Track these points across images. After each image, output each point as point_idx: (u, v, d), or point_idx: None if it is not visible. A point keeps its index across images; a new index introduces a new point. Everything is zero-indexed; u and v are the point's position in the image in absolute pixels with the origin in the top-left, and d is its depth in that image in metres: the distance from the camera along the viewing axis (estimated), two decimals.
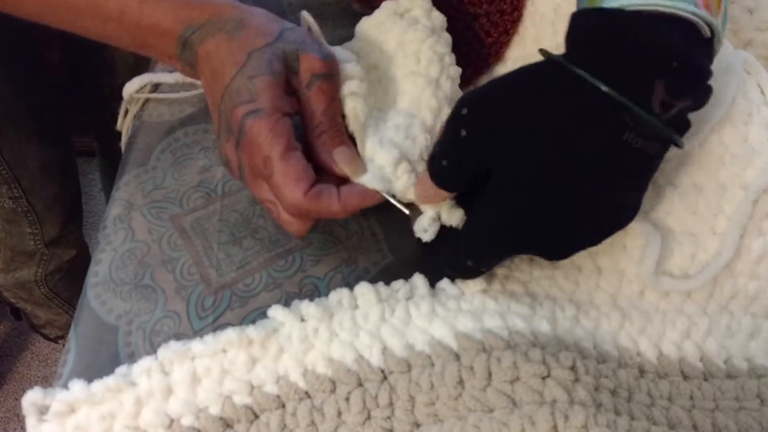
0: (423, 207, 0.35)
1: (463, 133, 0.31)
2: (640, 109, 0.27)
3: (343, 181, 0.35)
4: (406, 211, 0.36)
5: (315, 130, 0.34)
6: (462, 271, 0.35)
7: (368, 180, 0.34)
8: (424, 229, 0.35)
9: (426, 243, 0.36)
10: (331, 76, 0.35)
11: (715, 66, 0.36)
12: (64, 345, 1.07)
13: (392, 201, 0.35)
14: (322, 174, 0.34)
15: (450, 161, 0.32)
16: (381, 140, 0.35)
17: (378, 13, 0.41)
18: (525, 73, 0.30)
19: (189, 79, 0.46)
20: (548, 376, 0.31)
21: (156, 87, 0.48)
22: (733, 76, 0.36)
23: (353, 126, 0.35)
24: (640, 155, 0.28)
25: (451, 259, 0.34)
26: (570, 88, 0.28)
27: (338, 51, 0.37)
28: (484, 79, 0.45)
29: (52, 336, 1.01)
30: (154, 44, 0.36)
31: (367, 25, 0.41)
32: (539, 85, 0.29)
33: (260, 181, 0.34)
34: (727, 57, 0.37)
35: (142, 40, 0.36)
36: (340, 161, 0.34)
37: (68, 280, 0.85)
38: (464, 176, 0.32)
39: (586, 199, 0.29)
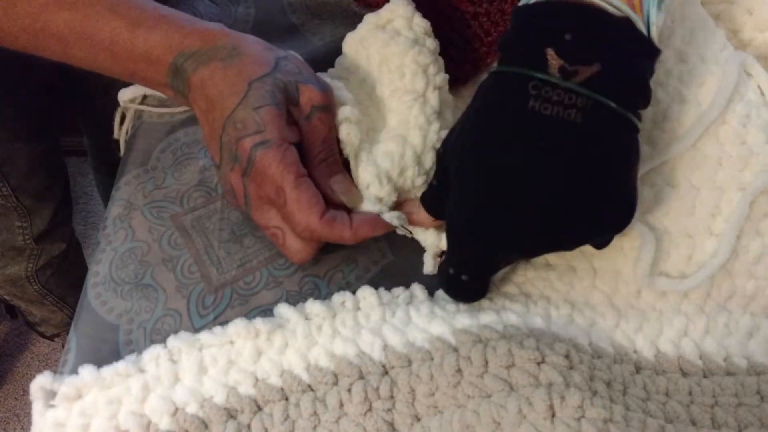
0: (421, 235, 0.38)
1: (440, 149, 0.35)
2: (533, 71, 0.28)
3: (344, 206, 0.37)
4: (410, 234, 0.38)
5: (314, 159, 0.35)
6: (452, 286, 0.35)
7: (366, 209, 0.36)
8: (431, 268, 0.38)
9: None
10: (330, 106, 0.35)
11: (712, 66, 0.36)
12: (61, 343, 1.07)
13: (397, 228, 0.37)
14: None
15: (438, 180, 0.36)
16: (377, 172, 0.36)
17: (361, 28, 0.40)
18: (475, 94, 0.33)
19: None
20: (543, 361, 0.31)
21: (144, 97, 0.48)
22: (729, 77, 0.36)
23: (348, 150, 0.37)
24: (559, 123, 0.28)
25: (441, 276, 0.36)
26: (487, 92, 0.31)
27: (327, 77, 0.38)
28: (482, 78, 0.46)
29: (48, 334, 1.01)
30: (145, 73, 0.36)
31: (351, 41, 0.41)
32: (473, 105, 0.32)
33: (267, 207, 0.35)
34: (724, 58, 0.37)
35: (134, 69, 0.36)
36: (338, 190, 0.36)
37: (60, 276, 0.85)
38: (439, 194, 0.35)
39: (521, 177, 0.29)
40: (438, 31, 0.41)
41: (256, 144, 0.32)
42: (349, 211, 0.36)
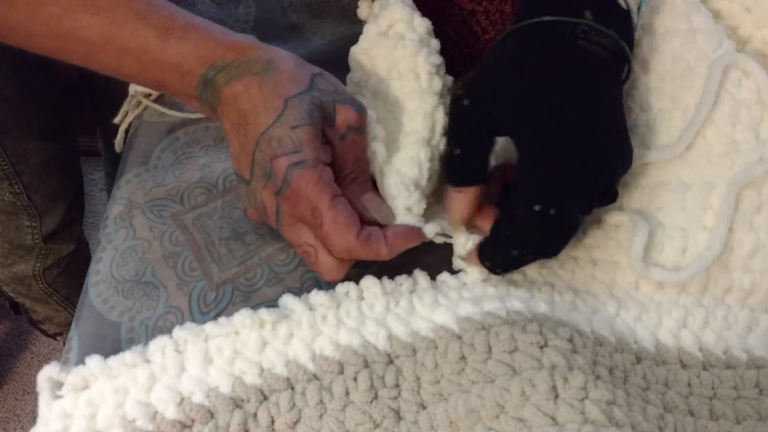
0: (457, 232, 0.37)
1: (466, 102, 0.35)
2: (578, 19, 0.34)
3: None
4: (449, 240, 0.37)
5: (346, 179, 0.35)
6: (546, 226, 0.33)
7: (401, 223, 0.36)
8: (463, 252, 0.37)
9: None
10: (363, 127, 0.35)
11: (701, 70, 0.38)
12: (63, 341, 1.07)
13: (436, 239, 0.37)
14: None
15: (460, 142, 0.35)
16: (402, 181, 0.36)
17: (363, 39, 0.40)
18: (495, 48, 0.36)
19: None
20: (546, 345, 0.32)
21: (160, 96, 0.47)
22: (713, 80, 0.37)
23: (373, 167, 0.37)
24: (597, 59, 0.34)
25: (530, 221, 0.33)
26: (531, 36, 0.35)
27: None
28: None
29: (50, 332, 1.01)
30: (173, 83, 0.35)
31: (355, 55, 0.40)
32: (511, 49, 0.35)
33: (300, 226, 0.34)
34: (713, 60, 0.38)
35: (161, 78, 0.35)
36: (370, 208, 0.36)
37: (67, 275, 0.85)
38: (476, 154, 0.35)
39: (581, 102, 0.33)
40: (434, 27, 0.40)
41: (292, 164, 0.32)
42: (381, 226, 0.36)
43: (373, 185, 0.37)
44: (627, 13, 0.36)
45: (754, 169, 0.36)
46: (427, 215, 0.38)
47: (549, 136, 0.33)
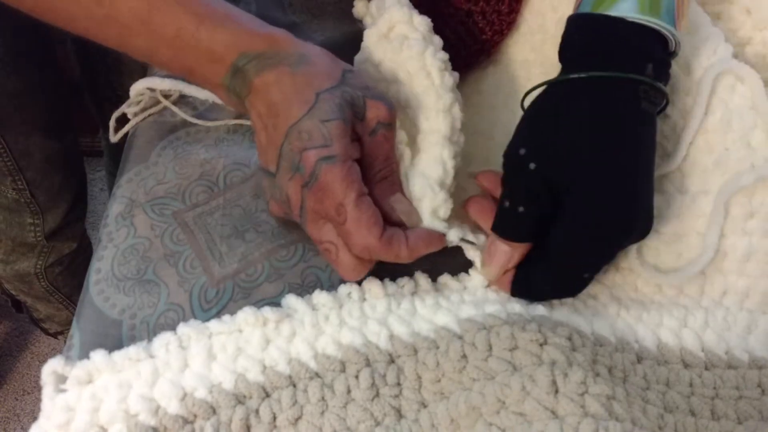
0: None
1: (532, 165, 0.34)
2: (645, 78, 0.34)
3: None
4: (471, 250, 0.37)
5: (375, 176, 0.35)
6: (574, 286, 0.36)
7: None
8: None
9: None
10: (393, 124, 0.35)
11: (695, 78, 0.38)
12: (64, 341, 1.07)
13: (460, 244, 0.36)
14: None
15: (524, 202, 0.34)
16: (428, 183, 0.35)
17: (365, 47, 0.40)
18: (550, 98, 0.36)
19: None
20: (545, 343, 0.32)
21: (181, 97, 0.47)
22: (704, 91, 0.38)
23: (400, 169, 0.36)
24: (652, 117, 0.35)
25: (561, 280, 0.35)
26: (599, 92, 0.34)
27: None
28: (473, 76, 0.46)
29: (51, 331, 1.01)
30: (203, 70, 0.35)
31: (360, 61, 0.40)
32: (567, 101, 0.35)
33: (322, 222, 0.34)
34: (704, 69, 0.38)
35: (191, 65, 0.35)
36: (399, 209, 0.35)
37: (68, 274, 0.86)
38: (538, 213, 0.34)
39: (645, 167, 0.34)
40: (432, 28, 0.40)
41: (321, 158, 0.32)
42: (404, 227, 0.35)
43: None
44: (672, 55, 0.36)
45: (743, 178, 0.36)
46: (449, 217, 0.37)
47: (605, 204, 0.33)
